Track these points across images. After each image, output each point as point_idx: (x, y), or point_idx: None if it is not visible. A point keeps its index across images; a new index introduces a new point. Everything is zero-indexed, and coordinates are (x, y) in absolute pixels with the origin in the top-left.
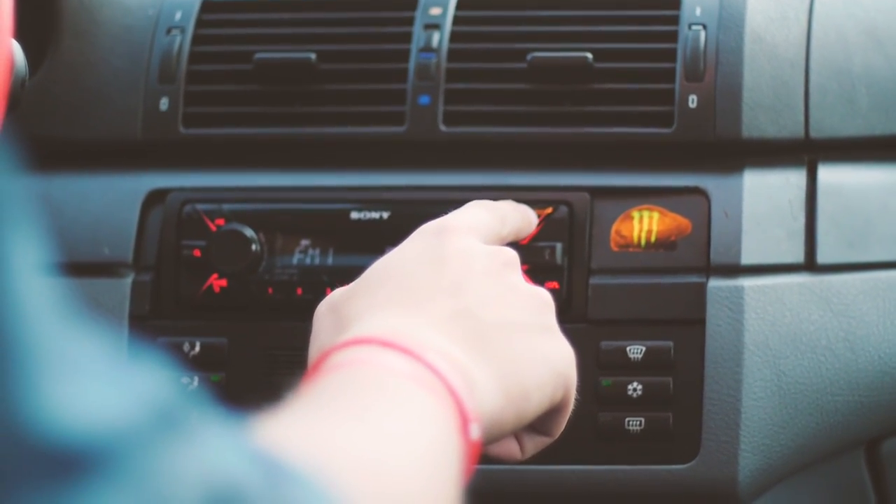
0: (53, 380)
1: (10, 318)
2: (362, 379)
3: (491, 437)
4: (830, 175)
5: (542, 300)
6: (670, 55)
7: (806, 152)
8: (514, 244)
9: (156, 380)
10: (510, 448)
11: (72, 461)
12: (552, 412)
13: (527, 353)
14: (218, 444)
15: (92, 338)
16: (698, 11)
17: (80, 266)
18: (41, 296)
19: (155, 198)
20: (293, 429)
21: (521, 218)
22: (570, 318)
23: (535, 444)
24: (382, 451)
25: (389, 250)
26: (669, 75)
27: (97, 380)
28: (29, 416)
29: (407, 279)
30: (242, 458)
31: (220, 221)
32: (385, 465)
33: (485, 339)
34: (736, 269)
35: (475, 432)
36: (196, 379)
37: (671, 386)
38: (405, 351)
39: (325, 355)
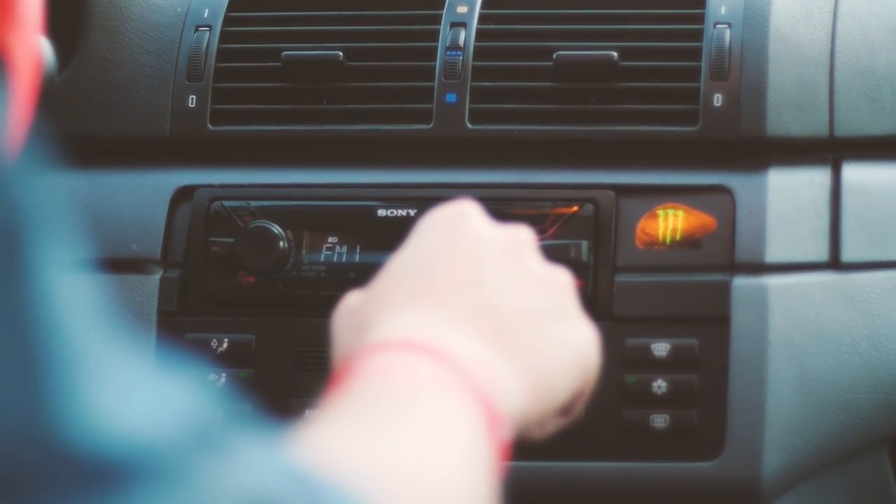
0: (91, 388)
1: (47, 321)
2: (394, 388)
3: (518, 431)
4: (855, 173)
5: (559, 284)
6: (695, 54)
7: (830, 151)
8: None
9: (194, 391)
10: (529, 429)
11: (107, 472)
12: (573, 395)
13: (550, 343)
14: (256, 459)
15: (129, 344)
16: (723, 10)
17: (108, 263)
18: (78, 298)
19: (183, 195)
20: (329, 442)
21: None
22: (596, 315)
23: (554, 424)
24: (421, 462)
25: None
26: (694, 74)
27: (135, 389)
28: (65, 424)
29: (424, 273)
30: (281, 473)
31: (248, 218)
32: (424, 476)
33: (508, 334)
34: (760, 267)
35: (504, 432)
36: (223, 375)
37: (696, 383)
38: (433, 354)
39: (351, 360)
